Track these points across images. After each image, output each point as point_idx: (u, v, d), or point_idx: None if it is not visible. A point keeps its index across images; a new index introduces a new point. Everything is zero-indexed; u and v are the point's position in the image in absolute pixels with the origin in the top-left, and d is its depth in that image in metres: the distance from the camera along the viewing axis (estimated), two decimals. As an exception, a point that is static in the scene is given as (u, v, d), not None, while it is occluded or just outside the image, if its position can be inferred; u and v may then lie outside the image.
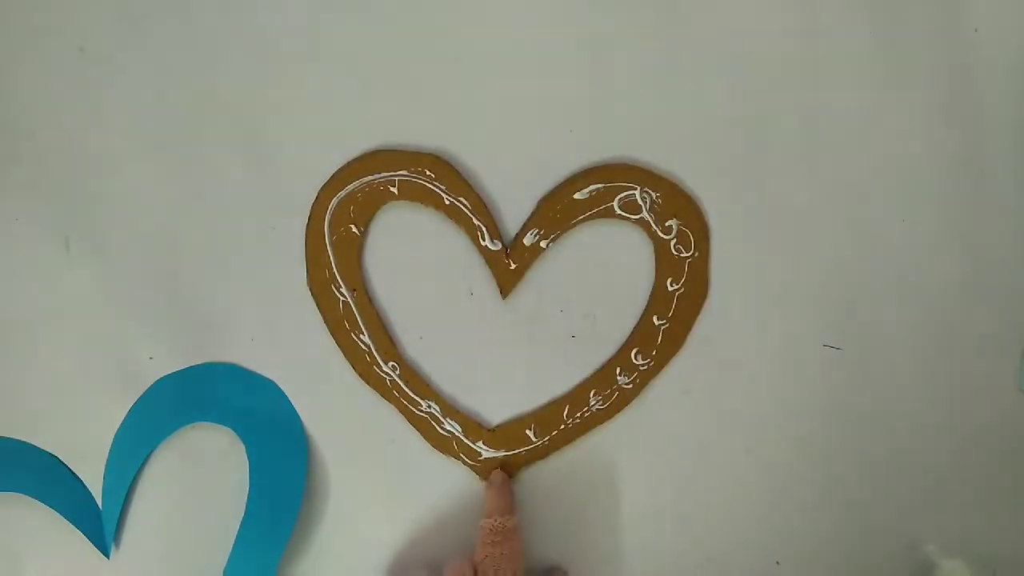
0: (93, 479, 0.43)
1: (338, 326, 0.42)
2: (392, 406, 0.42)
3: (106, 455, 0.43)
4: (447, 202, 0.40)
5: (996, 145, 0.39)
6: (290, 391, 0.42)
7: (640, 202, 0.40)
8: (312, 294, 0.42)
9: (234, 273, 0.42)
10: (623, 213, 0.40)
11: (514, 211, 0.41)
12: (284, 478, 0.42)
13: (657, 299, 0.40)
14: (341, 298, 0.41)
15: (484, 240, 0.40)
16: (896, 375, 0.40)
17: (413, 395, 0.41)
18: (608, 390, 0.41)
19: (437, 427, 0.42)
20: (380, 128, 0.41)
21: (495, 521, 0.38)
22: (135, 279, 0.42)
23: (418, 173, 0.40)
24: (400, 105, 0.40)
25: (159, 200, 0.42)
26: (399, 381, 0.41)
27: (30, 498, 0.43)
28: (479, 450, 0.42)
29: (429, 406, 0.42)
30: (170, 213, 0.42)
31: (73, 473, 0.43)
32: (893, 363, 0.40)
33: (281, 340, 0.42)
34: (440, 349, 0.42)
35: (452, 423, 0.41)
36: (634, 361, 0.41)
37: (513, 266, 0.41)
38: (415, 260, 0.41)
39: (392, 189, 0.40)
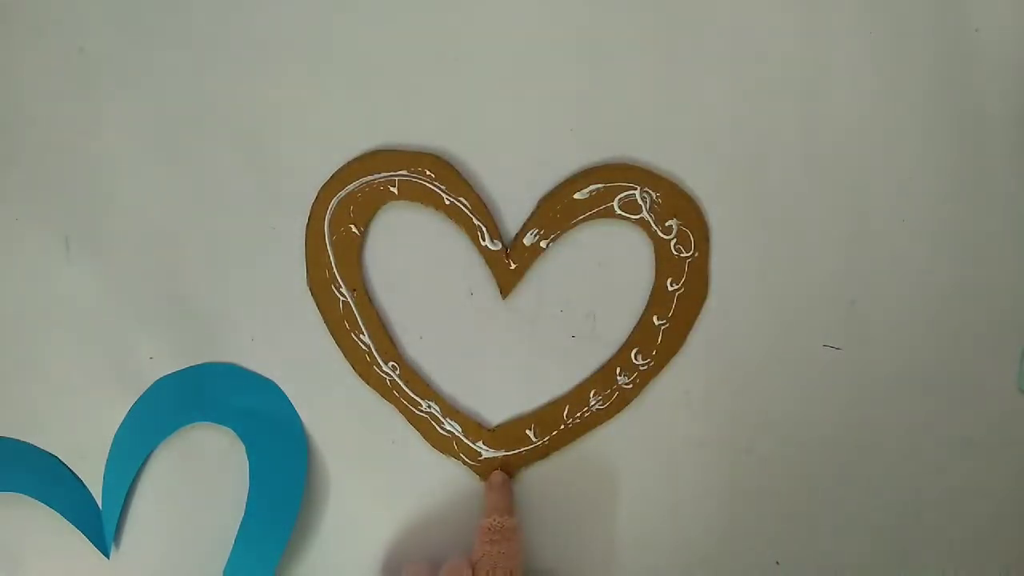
0: (93, 479, 0.43)
1: (338, 326, 0.42)
2: (392, 406, 0.42)
3: (106, 455, 0.43)
4: (447, 202, 0.40)
5: (996, 145, 0.39)
6: (290, 391, 0.42)
7: (640, 202, 0.40)
8: (312, 294, 0.42)
9: (234, 273, 0.42)
10: (623, 213, 0.40)
11: (514, 211, 0.41)
12: (284, 478, 0.42)
13: (657, 299, 0.40)
14: (341, 298, 0.41)
15: (484, 240, 0.40)
16: (896, 375, 0.40)
17: (413, 395, 0.41)
18: (608, 390, 0.41)
19: (437, 427, 0.42)
20: (380, 128, 0.41)
21: (494, 520, 0.38)
22: (135, 279, 0.42)
23: (418, 173, 0.40)
24: (400, 105, 0.40)
25: (159, 200, 0.42)
26: (399, 381, 0.41)
27: (30, 498, 0.43)
28: (479, 450, 0.42)
29: (429, 406, 0.42)
30: (170, 213, 0.42)
31: (73, 473, 0.43)
32: (893, 363, 0.40)
33: (281, 340, 0.42)
34: (440, 349, 0.42)
35: (452, 423, 0.41)
36: (634, 361, 0.41)
37: (513, 266, 0.41)
38: (415, 260, 0.41)
39: (392, 189, 0.40)
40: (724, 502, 0.41)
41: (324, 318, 0.42)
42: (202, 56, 0.41)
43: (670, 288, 0.40)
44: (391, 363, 0.41)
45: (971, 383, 0.40)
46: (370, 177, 0.40)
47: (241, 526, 0.41)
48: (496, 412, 0.42)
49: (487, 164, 0.40)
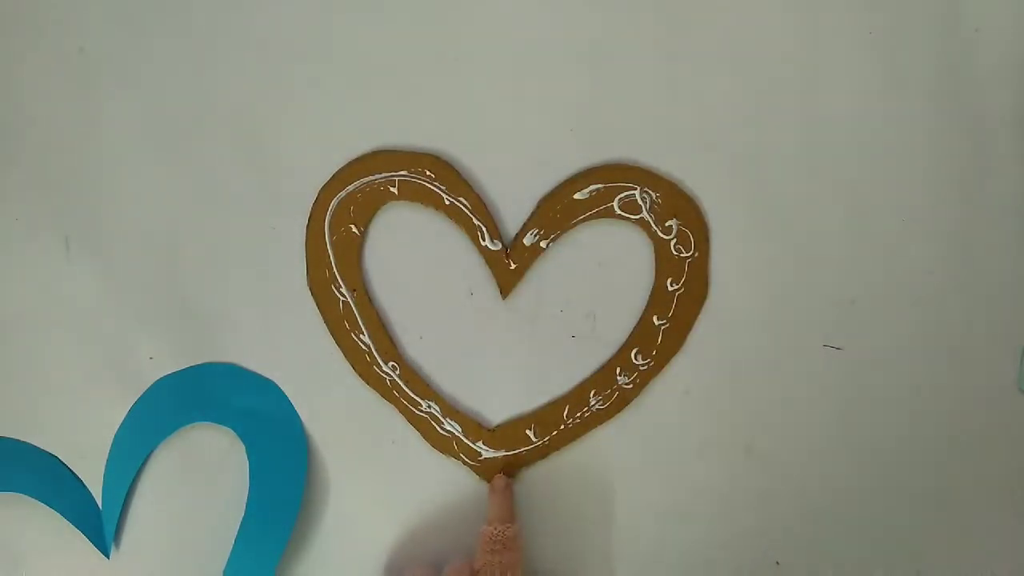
0: (93, 479, 0.43)
1: (338, 326, 0.42)
2: (392, 406, 0.42)
3: (106, 455, 0.43)
4: (447, 202, 0.40)
5: (996, 145, 0.39)
6: (290, 391, 0.42)
7: (640, 202, 0.40)
8: (312, 294, 0.42)
9: (234, 273, 0.42)
10: (623, 213, 0.40)
11: (514, 211, 0.41)
12: (284, 478, 0.42)
13: (657, 299, 0.40)
14: (341, 298, 0.41)
15: (484, 240, 0.40)
16: (896, 375, 0.40)
17: (413, 395, 0.41)
18: (608, 390, 0.41)
19: (437, 427, 0.42)
20: (380, 128, 0.41)
21: (495, 529, 0.38)
22: (135, 279, 0.42)
23: (418, 173, 0.40)
24: (400, 105, 0.40)
25: (159, 200, 0.42)
26: (399, 381, 0.41)
27: (30, 498, 0.43)
28: (479, 450, 0.42)
29: (429, 406, 0.42)
30: (170, 213, 0.42)
31: (73, 473, 0.43)
32: (893, 363, 0.40)
33: (281, 340, 0.42)
34: (440, 349, 0.42)
35: (452, 423, 0.41)
36: (634, 361, 0.41)
37: (513, 266, 0.41)
38: (415, 260, 0.41)
39: (392, 189, 0.40)
40: (724, 502, 0.41)
41: (324, 318, 0.42)
42: (202, 56, 0.41)
43: (670, 288, 0.40)
44: (391, 363, 0.41)
45: (971, 383, 0.40)
46: (370, 177, 0.40)
47: (241, 526, 0.41)
48: (496, 412, 0.42)
49: (487, 164, 0.40)
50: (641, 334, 0.41)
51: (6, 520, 0.44)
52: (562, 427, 0.41)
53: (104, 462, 0.43)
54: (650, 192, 0.40)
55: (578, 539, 0.42)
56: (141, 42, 0.41)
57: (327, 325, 0.42)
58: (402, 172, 0.40)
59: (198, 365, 0.43)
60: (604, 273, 0.41)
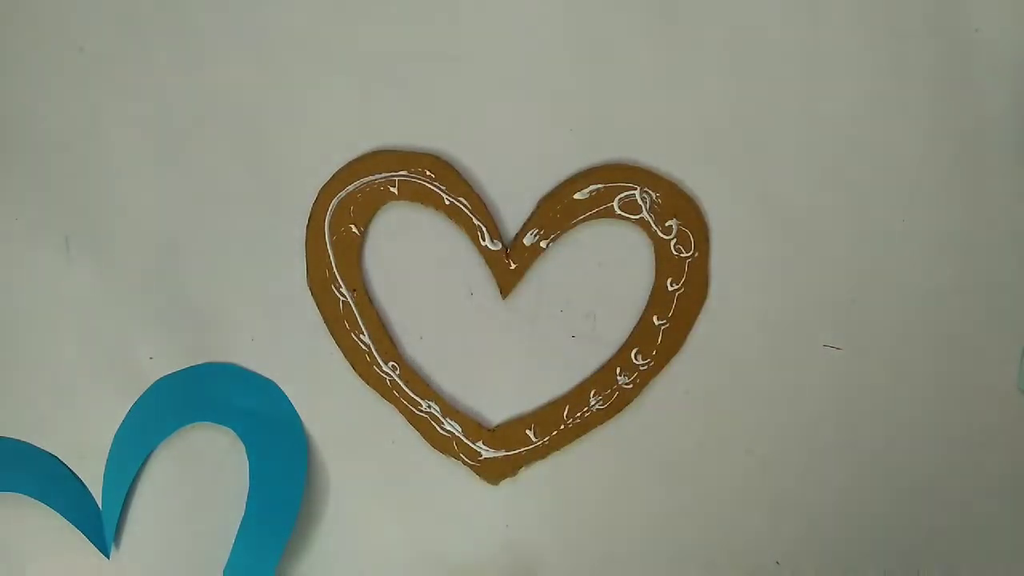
0: (93, 479, 0.43)
1: (338, 326, 0.42)
2: (392, 406, 0.42)
3: (106, 455, 0.43)
4: (447, 202, 0.40)
5: (996, 145, 0.39)
6: (290, 391, 0.42)
7: (640, 202, 0.40)
8: (312, 294, 0.42)
9: (234, 273, 0.42)
10: (623, 213, 0.40)
11: (514, 211, 0.41)
12: (284, 478, 0.42)
13: (657, 299, 0.40)
14: (341, 298, 0.41)
15: (484, 240, 0.40)
16: (896, 375, 0.40)
17: (413, 395, 0.41)
18: (608, 390, 0.41)
19: (437, 427, 0.42)
20: (380, 128, 0.41)
21: None
22: (135, 279, 0.42)
23: (418, 173, 0.40)
24: (400, 105, 0.40)
25: (159, 200, 0.42)
26: (399, 381, 0.41)
27: (30, 498, 0.43)
28: (479, 450, 0.42)
29: (429, 406, 0.42)
30: (170, 213, 0.42)
31: (73, 473, 0.43)
32: (893, 363, 0.40)
33: (281, 340, 0.42)
34: (440, 349, 0.42)
35: (452, 423, 0.41)
36: (634, 361, 0.41)
37: (513, 266, 0.41)
38: (415, 260, 0.41)
39: (392, 189, 0.40)
40: (724, 502, 0.41)
41: (324, 318, 0.42)
42: (202, 56, 0.41)
43: (670, 288, 0.40)
44: (391, 363, 0.41)
45: (971, 383, 0.40)
46: (370, 177, 0.40)
47: (241, 526, 0.41)
48: (496, 412, 0.42)
49: (487, 164, 0.40)
50: (641, 334, 0.41)
51: (6, 520, 0.44)
52: (562, 427, 0.41)
53: (104, 462, 0.43)
54: (650, 192, 0.40)
55: (577, 539, 0.42)
56: (141, 42, 0.41)
57: (327, 325, 0.42)
58: (402, 172, 0.40)
59: (198, 365, 0.43)
60: (604, 273, 0.41)
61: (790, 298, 0.40)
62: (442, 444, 0.42)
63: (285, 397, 0.42)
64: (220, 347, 0.42)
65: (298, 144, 0.41)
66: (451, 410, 0.42)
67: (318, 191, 0.41)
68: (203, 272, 0.42)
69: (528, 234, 0.40)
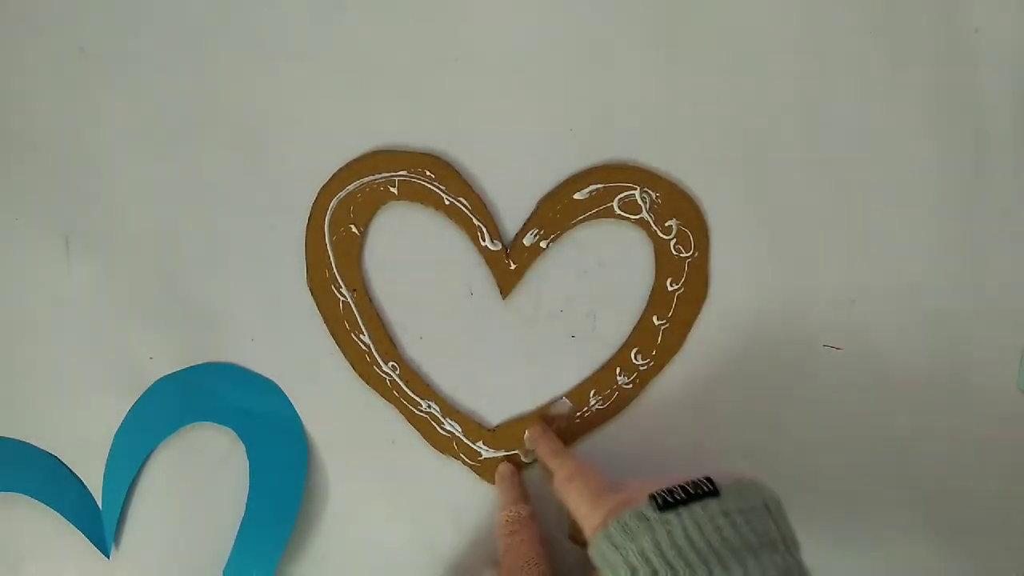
0: (93, 479, 0.43)
1: (338, 326, 0.42)
2: (392, 406, 0.42)
3: (106, 455, 0.43)
4: (447, 202, 0.40)
5: (996, 145, 0.39)
6: (290, 391, 0.42)
7: (640, 202, 0.40)
8: (312, 294, 0.42)
9: (234, 273, 0.42)
10: (623, 213, 0.40)
11: (514, 211, 0.41)
12: (284, 478, 0.42)
13: (657, 299, 0.40)
14: (341, 298, 0.41)
15: (484, 240, 0.40)
16: (896, 375, 0.40)
17: (413, 395, 0.41)
18: (608, 390, 0.41)
19: (437, 427, 0.42)
20: (380, 128, 0.41)
21: (510, 512, 0.38)
22: (135, 279, 0.43)
23: (418, 173, 0.40)
24: (400, 105, 0.40)
25: (159, 200, 0.42)
26: (399, 381, 0.41)
27: (30, 498, 0.43)
28: (479, 450, 0.42)
29: (429, 406, 0.42)
30: (170, 213, 0.42)
31: (73, 473, 0.43)
32: (893, 363, 0.40)
33: (281, 340, 0.42)
34: (440, 349, 0.42)
35: (452, 423, 0.41)
36: (634, 361, 0.41)
37: (513, 266, 0.41)
38: (415, 260, 0.41)
39: (392, 189, 0.40)
40: (724, 502, 0.41)
41: (324, 318, 0.42)
42: (202, 56, 0.41)
43: (670, 288, 0.40)
44: (391, 363, 0.41)
45: (971, 383, 0.40)
46: (370, 177, 0.40)
47: (241, 526, 0.42)
48: (496, 412, 0.42)
49: (487, 164, 0.40)
50: (641, 334, 0.41)
51: (6, 520, 0.44)
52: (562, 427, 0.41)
53: (104, 462, 0.43)
54: (650, 192, 0.40)
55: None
56: (141, 42, 0.41)
57: (327, 325, 0.42)
58: (402, 172, 0.40)
59: (198, 365, 0.43)
60: (604, 273, 0.41)
61: (790, 298, 0.40)
62: (442, 444, 0.42)
63: (285, 397, 0.42)
64: (220, 347, 0.42)
65: (298, 144, 0.41)
66: (451, 410, 0.41)
67: (318, 191, 0.41)
68: (203, 272, 0.42)
69: (528, 234, 0.40)
